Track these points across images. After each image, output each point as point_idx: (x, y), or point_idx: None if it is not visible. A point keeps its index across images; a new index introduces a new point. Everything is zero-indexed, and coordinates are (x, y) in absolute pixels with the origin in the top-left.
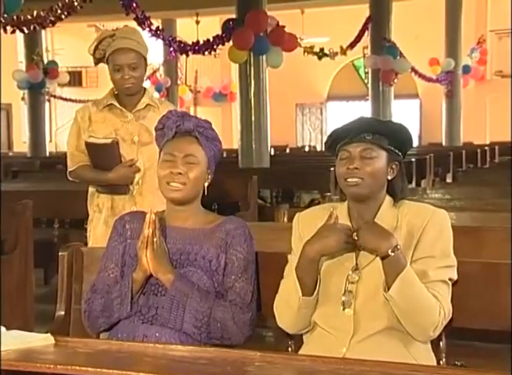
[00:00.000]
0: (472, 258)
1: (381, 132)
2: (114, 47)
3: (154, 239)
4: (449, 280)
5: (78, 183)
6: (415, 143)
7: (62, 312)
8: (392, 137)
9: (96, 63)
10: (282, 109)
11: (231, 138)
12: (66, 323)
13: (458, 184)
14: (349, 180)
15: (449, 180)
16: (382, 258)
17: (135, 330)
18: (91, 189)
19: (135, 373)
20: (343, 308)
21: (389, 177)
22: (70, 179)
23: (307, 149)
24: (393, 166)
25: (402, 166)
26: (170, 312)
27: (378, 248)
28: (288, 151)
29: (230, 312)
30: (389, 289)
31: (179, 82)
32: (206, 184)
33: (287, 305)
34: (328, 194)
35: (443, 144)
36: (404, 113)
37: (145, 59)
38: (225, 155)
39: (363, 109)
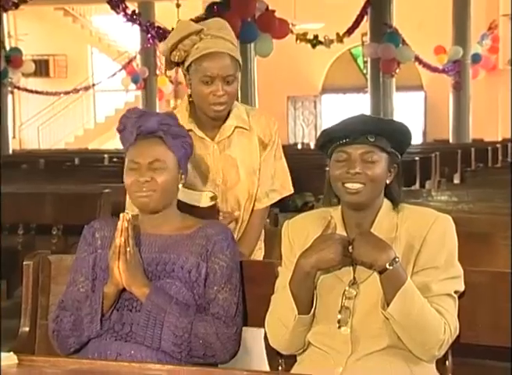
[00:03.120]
0: (481, 267)
1: (384, 133)
2: (204, 50)
3: (128, 249)
4: (455, 292)
5: (45, 185)
6: (419, 140)
7: (27, 328)
8: (394, 138)
9: (169, 68)
10: (272, 103)
11: None
12: (31, 340)
13: (466, 186)
14: (348, 185)
15: (456, 180)
16: (380, 273)
17: (107, 348)
18: None
19: None
20: (339, 327)
21: (388, 181)
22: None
23: (299, 147)
24: (392, 169)
25: (400, 168)
26: (146, 330)
27: (374, 261)
28: None
29: (213, 327)
30: (387, 306)
31: (157, 72)
32: (180, 186)
33: (281, 324)
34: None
35: (450, 141)
36: (407, 107)
37: (240, 69)
38: None
39: (361, 103)
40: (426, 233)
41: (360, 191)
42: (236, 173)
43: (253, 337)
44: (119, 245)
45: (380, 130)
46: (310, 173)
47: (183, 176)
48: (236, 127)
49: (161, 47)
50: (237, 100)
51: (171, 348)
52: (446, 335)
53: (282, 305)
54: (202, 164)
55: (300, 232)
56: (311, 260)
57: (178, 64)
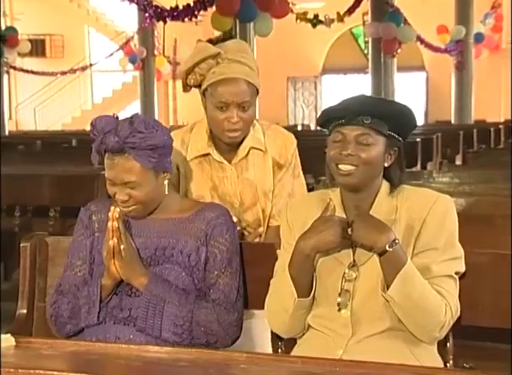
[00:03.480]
0: (483, 248)
1: (382, 115)
2: (219, 75)
3: (122, 246)
4: (456, 273)
5: (42, 166)
6: (421, 121)
7: (24, 310)
8: (394, 120)
9: (185, 90)
10: (271, 84)
11: None
12: (29, 322)
13: (468, 167)
14: (341, 166)
15: (458, 162)
16: (380, 255)
17: (106, 331)
18: None
19: None
20: (339, 310)
21: (386, 164)
22: None
23: (299, 128)
24: (391, 153)
25: (401, 152)
26: (146, 320)
27: (374, 243)
28: None
29: (214, 314)
30: (388, 288)
31: (155, 53)
32: (166, 182)
33: (281, 308)
34: (324, 178)
35: (452, 122)
36: (409, 88)
37: (258, 92)
38: None
39: (362, 83)
40: (426, 215)
41: (353, 173)
42: (254, 195)
43: (262, 324)
44: (112, 246)
45: (377, 112)
46: (310, 154)
47: (165, 175)
48: (251, 148)
49: (179, 69)
50: None
51: (172, 337)
52: (447, 316)
53: (281, 288)
54: (220, 186)
55: (299, 214)
56: (311, 242)
57: (193, 86)
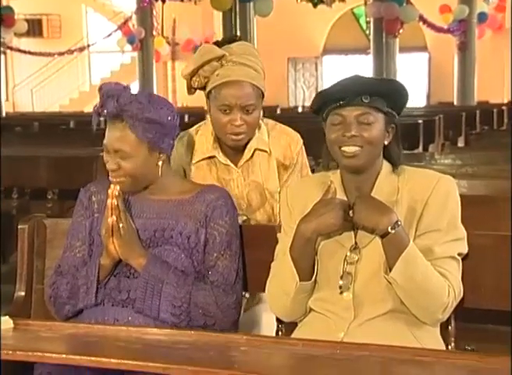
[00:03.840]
0: (485, 230)
1: (380, 93)
2: (223, 78)
3: (120, 225)
4: (459, 254)
5: (40, 148)
6: (423, 102)
7: (23, 293)
8: (391, 97)
9: (190, 92)
10: (271, 64)
11: None
12: (27, 304)
13: (471, 149)
14: (345, 149)
15: (460, 144)
16: (382, 237)
17: (104, 313)
18: None
19: (106, 360)
20: (341, 292)
21: (386, 142)
22: None
23: (300, 110)
24: (389, 130)
25: (398, 128)
26: (144, 301)
27: (375, 225)
28: (278, 112)
29: (212, 296)
30: (390, 270)
31: (154, 33)
32: (160, 163)
33: (282, 291)
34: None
35: (455, 103)
36: (411, 69)
37: (263, 96)
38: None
39: (363, 64)
40: (428, 196)
41: (358, 154)
42: (262, 196)
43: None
44: (111, 224)
45: (375, 91)
46: (310, 136)
47: (161, 155)
48: (256, 150)
49: (183, 71)
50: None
51: (170, 318)
52: (450, 298)
53: (282, 272)
54: (227, 189)
55: (299, 197)
56: (312, 225)
57: (198, 89)
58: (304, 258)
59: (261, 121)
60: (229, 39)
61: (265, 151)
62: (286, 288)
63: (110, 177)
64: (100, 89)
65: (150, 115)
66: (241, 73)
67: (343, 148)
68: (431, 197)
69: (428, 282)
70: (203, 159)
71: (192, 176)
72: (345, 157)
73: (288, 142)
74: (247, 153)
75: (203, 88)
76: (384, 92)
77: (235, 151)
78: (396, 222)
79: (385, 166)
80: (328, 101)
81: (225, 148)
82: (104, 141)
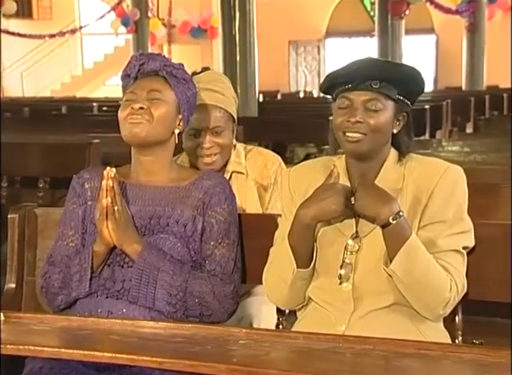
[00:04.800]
0: (493, 219)
1: (391, 79)
2: None
3: (115, 207)
4: (464, 248)
5: (31, 135)
6: (430, 87)
7: (13, 285)
8: (404, 84)
9: None
10: (272, 48)
11: None
12: (18, 296)
13: (480, 135)
14: (349, 134)
15: (469, 130)
16: (383, 227)
17: (98, 305)
18: None
19: (100, 354)
20: (340, 283)
21: (395, 131)
22: None
23: (301, 95)
24: (400, 118)
25: (410, 117)
26: (139, 289)
27: (376, 214)
28: (279, 97)
29: (209, 285)
30: (391, 262)
31: (149, 15)
32: (177, 131)
33: (279, 278)
34: (326, 147)
35: (463, 88)
36: (417, 52)
37: (234, 120)
38: None
39: (368, 47)
40: (434, 186)
41: (361, 140)
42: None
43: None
44: (105, 206)
45: (387, 76)
46: (312, 123)
47: (181, 123)
48: (233, 172)
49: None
50: (235, 46)
51: (165, 307)
52: (452, 293)
53: (280, 258)
54: None
55: (301, 181)
56: (311, 211)
57: None
58: (303, 245)
59: (239, 145)
60: (201, 70)
61: (242, 173)
62: (284, 275)
63: (130, 121)
64: (136, 54)
65: (187, 76)
66: (206, 97)
67: (347, 134)
68: (437, 187)
69: (429, 276)
70: None
71: None
72: (348, 142)
73: (264, 162)
74: (226, 176)
75: None
76: (396, 78)
77: None
78: (398, 212)
79: (393, 153)
80: (337, 83)
81: None
82: (133, 89)
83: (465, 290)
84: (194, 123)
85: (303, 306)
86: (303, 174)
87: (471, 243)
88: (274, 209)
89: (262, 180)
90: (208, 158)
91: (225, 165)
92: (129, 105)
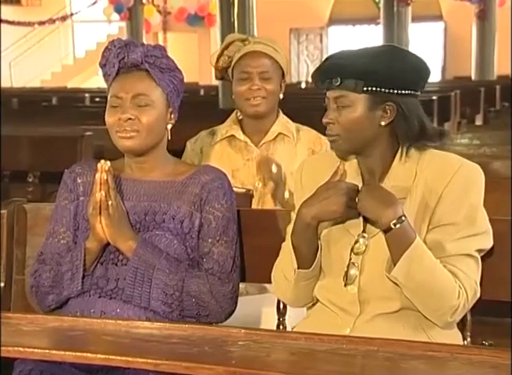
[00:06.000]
0: (504, 215)
1: (353, 73)
2: (244, 51)
3: (109, 202)
4: (479, 251)
5: (20, 127)
6: (438, 77)
7: (2, 284)
8: (372, 75)
9: (219, 77)
10: (272, 36)
11: (210, 72)
12: (7, 296)
13: (490, 127)
14: (327, 136)
15: (478, 122)
16: (385, 232)
17: (90, 305)
18: None
19: (92, 355)
20: (345, 285)
21: (383, 123)
22: None
23: (303, 86)
24: (386, 108)
25: (401, 104)
26: (134, 288)
27: (378, 218)
28: None
29: (207, 284)
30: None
31: (144, 1)
32: (169, 127)
33: (283, 277)
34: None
35: (472, 77)
36: (425, 40)
37: (283, 73)
38: (202, 93)
39: (373, 35)
40: (444, 187)
41: (337, 141)
42: (277, 178)
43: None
44: (99, 200)
45: (348, 72)
46: (315, 115)
47: (172, 116)
48: (279, 133)
49: (211, 57)
50: (233, 31)
51: (161, 307)
52: (461, 300)
53: (285, 255)
54: (243, 169)
55: (312, 174)
56: (312, 210)
57: (225, 70)
58: (304, 245)
59: (287, 118)
60: None
61: (289, 137)
62: (287, 274)
63: (120, 133)
64: (113, 42)
65: (172, 64)
66: (260, 47)
67: (326, 134)
68: (447, 188)
69: (435, 283)
70: (222, 139)
71: (210, 156)
72: (330, 142)
73: (317, 135)
74: (270, 135)
75: (228, 68)
76: (358, 71)
77: (257, 131)
78: (401, 217)
79: (402, 147)
80: (315, 81)
81: (245, 128)
82: (116, 93)
83: (478, 296)
84: (245, 66)
85: (313, 304)
86: (314, 168)
87: (488, 245)
88: None
89: (315, 147)
90: (255, 100)
91: (271, 126)
92: (116, 112)
